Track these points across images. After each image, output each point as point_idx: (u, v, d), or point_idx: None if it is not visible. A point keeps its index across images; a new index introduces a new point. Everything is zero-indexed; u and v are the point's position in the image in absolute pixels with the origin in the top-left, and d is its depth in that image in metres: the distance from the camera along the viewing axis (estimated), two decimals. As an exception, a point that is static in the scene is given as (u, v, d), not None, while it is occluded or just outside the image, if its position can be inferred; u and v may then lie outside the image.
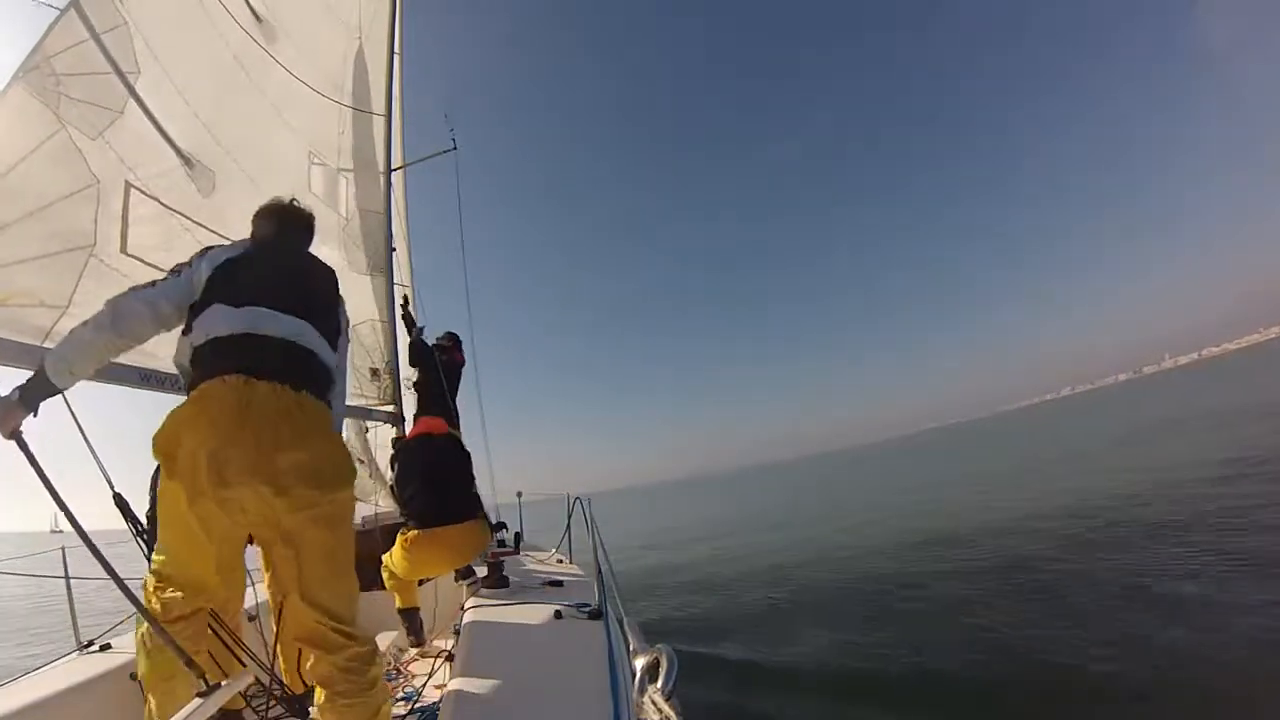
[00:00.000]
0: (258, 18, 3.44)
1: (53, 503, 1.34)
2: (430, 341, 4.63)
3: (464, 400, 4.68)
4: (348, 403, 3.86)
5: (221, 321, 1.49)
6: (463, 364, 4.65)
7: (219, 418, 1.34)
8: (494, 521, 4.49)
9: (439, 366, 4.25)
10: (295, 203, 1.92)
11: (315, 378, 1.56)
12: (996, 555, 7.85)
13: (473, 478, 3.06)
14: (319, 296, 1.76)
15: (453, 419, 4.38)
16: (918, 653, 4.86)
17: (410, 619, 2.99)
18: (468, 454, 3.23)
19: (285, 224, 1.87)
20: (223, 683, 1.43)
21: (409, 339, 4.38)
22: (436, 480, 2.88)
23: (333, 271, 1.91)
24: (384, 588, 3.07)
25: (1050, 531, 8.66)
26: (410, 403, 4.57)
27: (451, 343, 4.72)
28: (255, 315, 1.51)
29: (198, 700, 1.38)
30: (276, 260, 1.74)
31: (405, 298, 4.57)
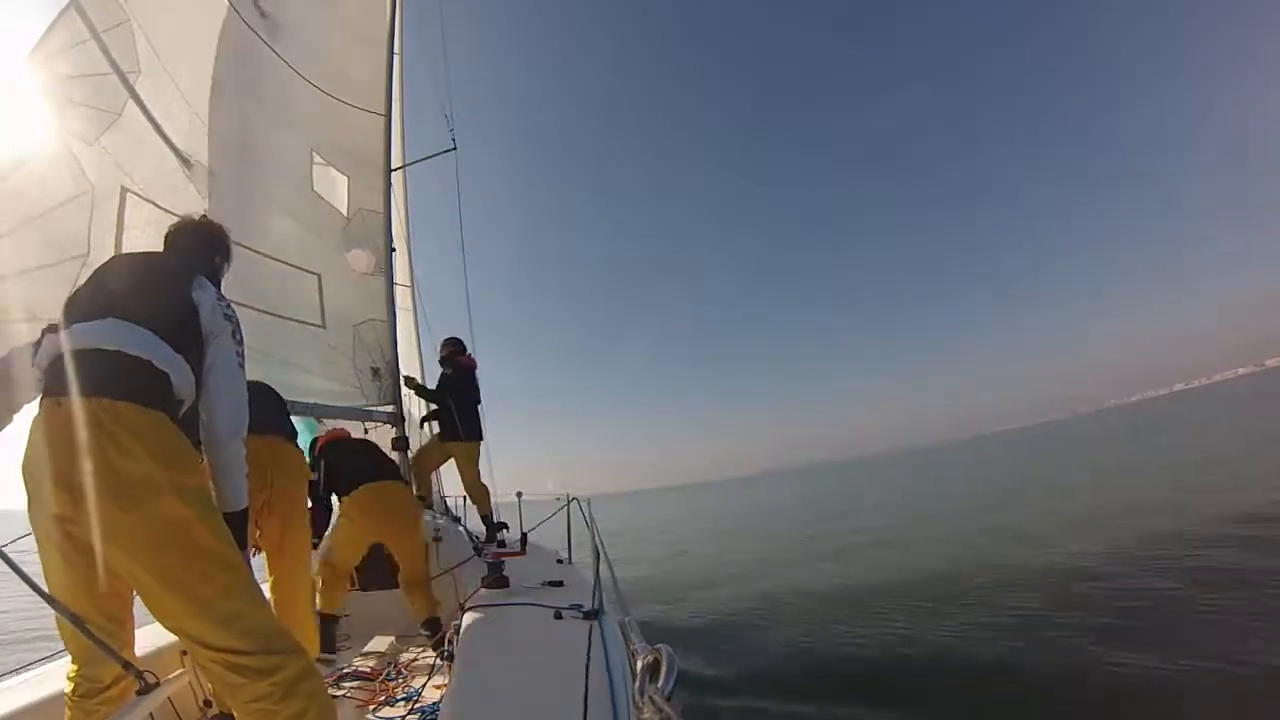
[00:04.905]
0: (262, 12, 3.42)
1: None
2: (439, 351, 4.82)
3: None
4: (347, 404, 3.88)
5: (41, 354, 1.42)
6: (473, 367, 4.73)
7: (30, 448, 1.31)
8: (495, 522, 4.50)
9: (447, 393, 4.42)
10: (191, 218, 1.93)
11: (126, 378, 1.35)
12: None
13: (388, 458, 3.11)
14: (142, 287, 1.53)
15: (474, 434, 4.48)
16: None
17: (326, 627, 2.86)
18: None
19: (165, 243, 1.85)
20: (161, 681, 1.44)
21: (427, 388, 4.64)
22: (346, 462, 3.03)
23: (181, 258, 1.73)
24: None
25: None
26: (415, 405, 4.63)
27: (457, 349, 4.77)
28: (64, 335, 1.39)
29: (136, 699, 1.40)
30: (94, 275, 1.59)
31: (408, 377, 4.54)
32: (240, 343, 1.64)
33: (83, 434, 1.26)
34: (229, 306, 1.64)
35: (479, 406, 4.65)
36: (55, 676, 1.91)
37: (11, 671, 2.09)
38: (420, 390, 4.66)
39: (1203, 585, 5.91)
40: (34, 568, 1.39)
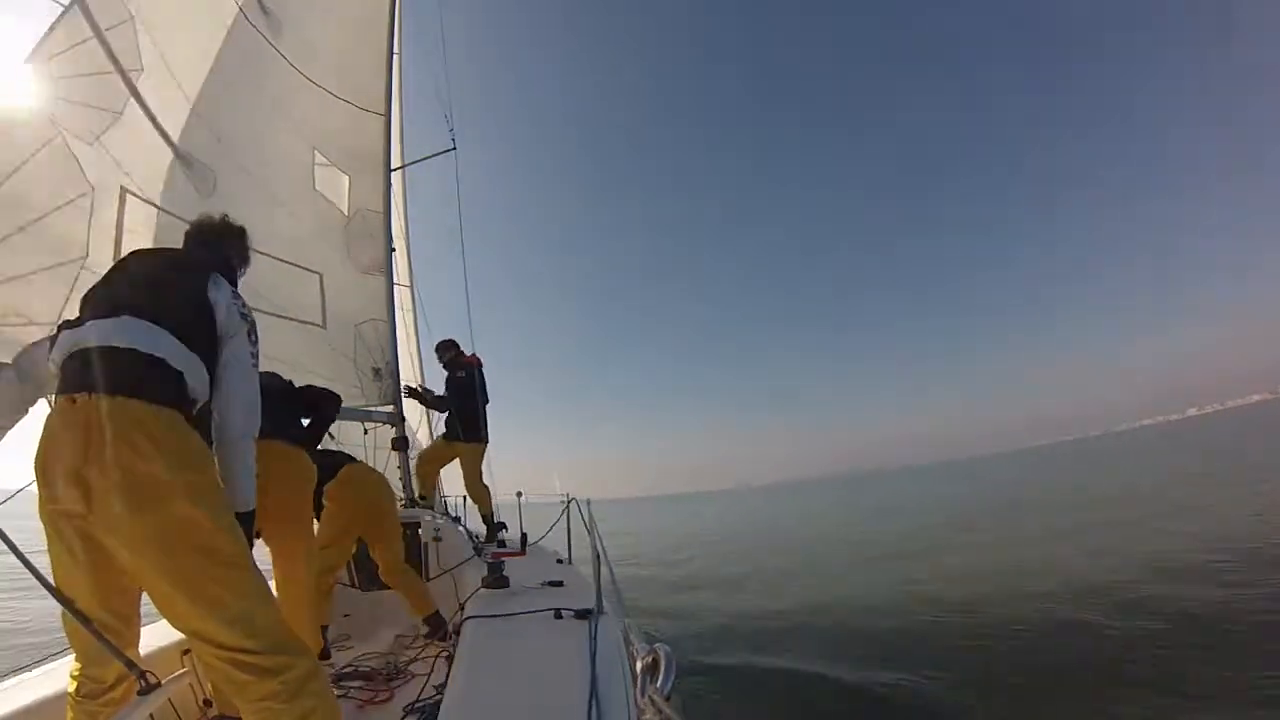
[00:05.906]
0: (264, 9, 3.42)
1: None
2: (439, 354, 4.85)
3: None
4: (347, 404, 3.86)
5: (57, 350, 1.42)
6: (478, 365, 4.71)
7: (44, 444, 1.31)
8: (495, 522, 4.51)
9: (453, 395, 4.48)
10: (208, 219, 1.89)
11: (140, 376, 1.35)
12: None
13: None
14: (158, 284, 1.52)
15: (476, 437, 4.48)
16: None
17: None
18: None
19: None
20: (163, 681, 1.43)
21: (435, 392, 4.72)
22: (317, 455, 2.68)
23: (198, 255, 1.72)
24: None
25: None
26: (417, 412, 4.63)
27: (455, 351, 4.76)
28: (80, 331, 1.39)
29: (138, 699, 1.39)
30: (112, 270, 1.61)
31: (408, 387, 4.47)
32: (255, 343, 1.64)
33: (96, 432, 1.26)
34: (245, 306, 1.64)
35: (486, 407, 4.64)
36: (60, 674, 1.92)
37: (16, 670, 2.09)
38: (423, 399, 4.67)
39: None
40: (40, 562, 1.39)
